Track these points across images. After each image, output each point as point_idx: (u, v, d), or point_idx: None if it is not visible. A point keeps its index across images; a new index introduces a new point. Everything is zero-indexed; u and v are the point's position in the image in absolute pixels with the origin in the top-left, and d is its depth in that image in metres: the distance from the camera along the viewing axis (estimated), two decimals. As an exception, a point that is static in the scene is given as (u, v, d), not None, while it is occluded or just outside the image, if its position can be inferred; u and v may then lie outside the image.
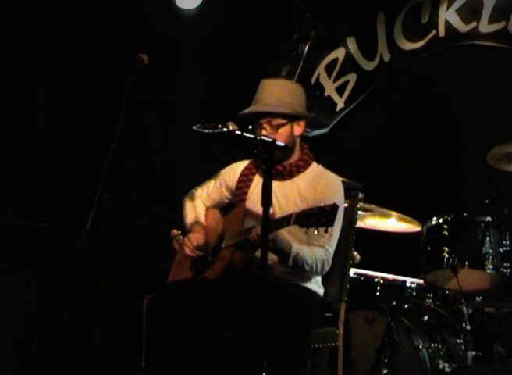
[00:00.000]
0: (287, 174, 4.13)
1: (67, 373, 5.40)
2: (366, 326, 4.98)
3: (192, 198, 4.38)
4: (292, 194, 4.11)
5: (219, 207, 4.36)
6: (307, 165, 4.17)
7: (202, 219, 4.32)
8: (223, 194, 4.33)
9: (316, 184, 4.10)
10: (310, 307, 4.00)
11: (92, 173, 4.08)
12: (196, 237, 4.12)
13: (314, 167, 4.20)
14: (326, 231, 3.59)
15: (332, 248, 4.02)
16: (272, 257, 3.88)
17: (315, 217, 3.56)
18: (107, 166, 3.83)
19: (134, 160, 5.79)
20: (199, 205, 4.36)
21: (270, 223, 3.58)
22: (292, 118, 4.08)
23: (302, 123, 4.14)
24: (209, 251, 4.11)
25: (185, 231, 4.27)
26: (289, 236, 3.95)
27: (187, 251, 4.11)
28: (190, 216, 4.32)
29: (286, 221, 3.70)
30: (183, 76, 6.18)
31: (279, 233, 3.80)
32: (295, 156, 4.16)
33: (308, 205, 4.04)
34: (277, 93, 4.07)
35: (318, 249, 3.96)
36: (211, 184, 4.36)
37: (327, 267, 4.01)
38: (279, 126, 4.04)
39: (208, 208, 4.36)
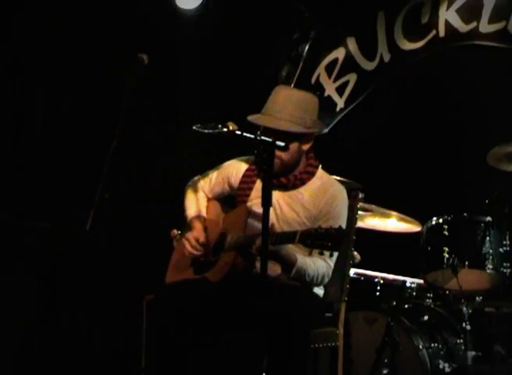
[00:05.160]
0: (291, 187, 4.12)
1: (67, 373, 5.40)
2: (366, 326, 4.98)
3: (194, 189, 4.35)
4: (295, 203, 4.10)
5: (220, 198, 4.35)
6: (311, 175, 4.14)
7: (204, 211, 4.30)
8: (225, 189, 4.32)
9: (320, 197, 4.08)
10: (309, 308, 4.00)
11: (92, 173, 4.07)
12: (195, 236, 4.10)
13: (319, 175, 4.16)
14: (331, 255, 3.59)
15: (333, 262, 4.02)
16: (275, 269, 3.89)
17: (320, 240, 3.54)
18: (107, 166, 3.83)
19: (134, 160, 5.79)
20: (201, 196, 4.34)
21: (273, 236, 3.57)
22: (301, 134, 4.05)
23: (311, 139, 4.11)
24: (210, 248, 4.09)
25: (185, 224, 4.25)
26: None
27: (186, 251, 4.10)
28: (191, 209, 4.30)
29: (290, 238, 3.68)
30: (183, 75, 6.17)
31: (284, 245, 3.78)
32: (300, 168, 4.13)
33: (311, 216, 4.06)
34: (290, 107, 4.01)
35: (320, 262, 3.95)
36: (213, 177, 4.34)
37: (326, 280, 4.03)
38: (288, 143, 3.95)
39: (209, 200, 4.35)
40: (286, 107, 4.01)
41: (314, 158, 4.19)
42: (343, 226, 4.04)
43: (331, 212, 4.03)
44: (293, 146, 4.02)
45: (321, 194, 4.09)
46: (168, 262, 4.29)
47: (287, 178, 4.10)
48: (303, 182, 4.12)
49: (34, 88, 5.79)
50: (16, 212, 5.42)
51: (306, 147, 4.10)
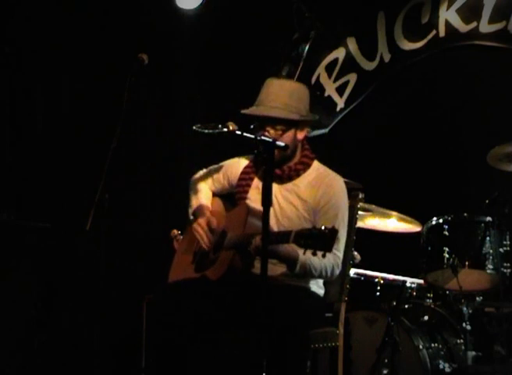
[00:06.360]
0: (286, 178, 4.10)
1: (67, 373, 5.40)
2: (366, 326, 4.98)
3: (199, 181, 4.33)
4: (292, 196, 4.09)
5: (221, 194, 4.34)
6: (307, 167, 4.12)
7: (209, 203, 4.28)
8: (224, 186, 4.31)
9: (317, 187, 4.06)
10: (309, 307, 4.00)
11: (92, 173, 4.08)
12: (206, 221, 4.07)
13: (315, 167, 4.15)
14: (324, 256, 3.57)
15: (340, 252, 4.00)
16: (276, 269, 3.90)
17: (313, 240, 3.52)
18: (107, 166, 3.83)
19: (134, 160, 5.79)
20: (206, 189, 4.31)
21: (269, 235, 3.56)
22: (296, 123, 4.04)
23: (306, 128, 4.09)
24: (212, 245, 4.09)
25: (187, 220, 4.25)
26: None
27: (198, 236, 4.06)
28: (197, 199, 4.26)
29: (284, 238, 3.66)
30: (183, 75, 6.18)
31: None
32: (294, 159, 4.11)
33: (309, 208, 4.05)
34: (284, 95, 3.99)
35: (326, 254, 3.93)
36: (215, 173, 4.33)
37: (337, 271, 3.99)
38: (284, 131, 3.98)
39: (212, 196, 4.34)
40: (280, 96, 3.99)
41: (309, 150, 4.17)
42: (344, 215, 4.05)
43: (329, 202, 4.01)
44: (289, 135, 4.01)
45: (317, 184, 4.07)
46: (171, 262, 4.28)
47: (282, 169, 4.08)
48: (298, 173, 4.10)
49: (34, 88, 5.79)
50: (16, 212, 5.42)
51: (301, 136, 4.08)
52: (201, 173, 4.38)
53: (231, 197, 4.31)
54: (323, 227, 3.52)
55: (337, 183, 4.11)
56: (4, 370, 4.98)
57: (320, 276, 3.96)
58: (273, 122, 3.96)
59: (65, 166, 5.69)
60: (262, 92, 4.07)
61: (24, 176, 5.65)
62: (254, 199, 4.08)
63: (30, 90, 5.78)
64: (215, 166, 4.35)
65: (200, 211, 4.19)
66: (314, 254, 3.54)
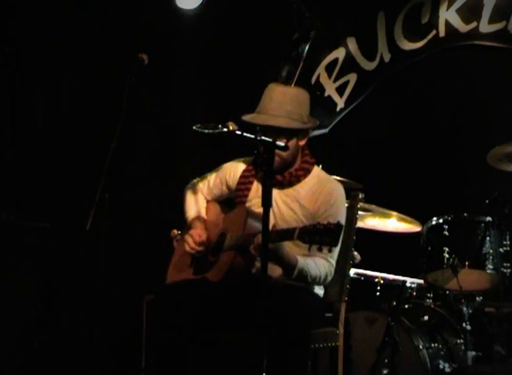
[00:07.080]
0: (287, 184, 4.10)
1: (67, 373, 5.40)
2: (366, 326, 4.98)
3: (193, 191, 4.33)
4: (292, 201, 4.08)
5: (219, 200, 4.35)
6: (307, 172, 4.11)
7: (203, 213, 4.29)
8: (223, 191, 4.31)
9: (317, 194, 4.06)
10: (310, 307, 4.00)
11: (92, 173, 4.08)
12: (198, 233, 4.10)
13: (316, 173, 4.15)
14: (330, 250, 3.56)
15: (334, 260, 4.00)
16: (276, 269, 3.88)
17: (319, 235, 3.51)
18: (107, 166, 3.83)
19: (134, 160, 5.79)
20: (200, 198, 4.33)
21: (272, 233, 3.56)
22: (299, 130, 4.04)
23: (307, 134, 4.10)
24: (210, 248, 4.09)
25: (185, 225, 4.26)
26: (289, 242, 3.88)
27: (188, 248, 4.09)
28: (191, 211, 4.29)
29: (289, 235, 3.65)
30: (183, 75, 6.18)
31: (283, 245, 3.76)
32: (295, 165, 4.11)
33: (308, 214, 4.05)
34: (286, 103, 3.98)
35: (322, 261, 3.93)
36: (212, 179, 4.33)
37: (329, 278, 4.00)
38: (287, 140, 3.96)
39: (208, 201, 4.34)
40: (283, 104, 3.99)
41: (309, 156, 4.17)
42: (342, 222, 4.05)
43: (329, 209, 4.02)
44: (292, 143, 4.01)
45: (318, 191, 4.07)
46: (169, 263, 4.28)
47: (282, 175, 4.08)
48: (298, 179, 4.10)
49: (34, 88, 5.79)
50: (16, 212, 5.42)
51: (302, 143, 4.09)
52: (195, 181, 4.38)
53: (229, 200, 4.31)
54: (328, 222, 3.53)
55: (337, 191, 4.11)
56: (4, 370, 4.98)
57: (312, 282, 3.98)
58: (276, 131, 3.94)
59: (65, 166, 5.69)
60: (264, 99, 4.06)
61: (24, 176, 5.64)
62: (254, 202, 4.08)
63: (30, 90, 5.78)
64: (211, 172, 4.35)
65: (193, 224, 4.20)
66: (320, 250, 3.54)
